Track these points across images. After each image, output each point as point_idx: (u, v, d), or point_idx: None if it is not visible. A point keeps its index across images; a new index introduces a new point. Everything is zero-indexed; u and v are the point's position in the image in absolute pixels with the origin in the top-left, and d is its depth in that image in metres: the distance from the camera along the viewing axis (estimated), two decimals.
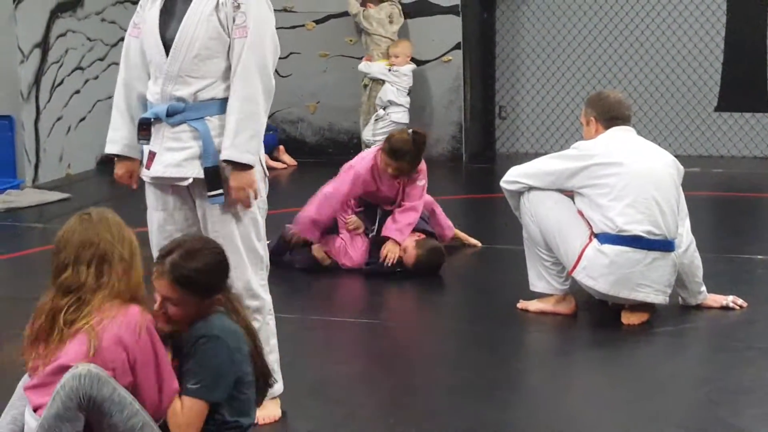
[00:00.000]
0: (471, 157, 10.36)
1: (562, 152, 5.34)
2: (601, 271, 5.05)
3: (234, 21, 3.76)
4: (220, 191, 3.79)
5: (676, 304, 5.35)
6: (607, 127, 5.26)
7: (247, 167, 3.77)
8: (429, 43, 10.29)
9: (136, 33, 3.95)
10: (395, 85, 9.44)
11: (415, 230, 6.32)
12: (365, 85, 9.64)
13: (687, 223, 5.35)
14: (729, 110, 10.47)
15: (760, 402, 4.12)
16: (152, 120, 3.86)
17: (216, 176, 3.78)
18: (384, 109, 9.42)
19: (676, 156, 5.49)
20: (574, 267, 5.12)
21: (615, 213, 5.02)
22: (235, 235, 3.85)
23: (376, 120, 9.44)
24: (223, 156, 3.77)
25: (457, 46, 10.28)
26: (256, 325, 3.80)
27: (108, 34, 10.26)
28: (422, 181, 6.37)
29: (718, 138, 10.47)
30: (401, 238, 6.19)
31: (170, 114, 3.80)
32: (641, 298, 5.09)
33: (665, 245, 5.08)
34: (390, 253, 6.15)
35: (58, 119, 9.44)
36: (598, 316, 5.33)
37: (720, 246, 6.49)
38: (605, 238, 5.05)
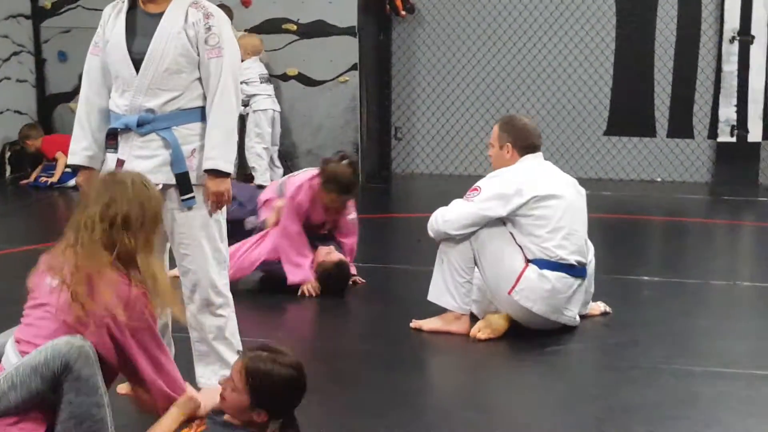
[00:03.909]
0: (367, 177, 10.43)
1: (495, 190, 5.26)
2: (542, 294, 5.22)
3: (206, 42, 4.07)
4: (192, 194, 4.12)
5: (563, 325, 5.47)
6: (521, 155, 5.41)
7: (226, 175, 4.12)
8: (326, 64, 10.35)
9: (97, 51, 4.24)
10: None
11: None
12: None
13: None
14: (618, 134, 10.74)
15: (645, 420, 4.23)
16: (119, 129, 4.12)
17: (187, 181, 4.10)
18: (245, 106, 9.63)
19: None
20: (513, 287, 5.23)
21: (553, 245, 5.22)
22: (201, 237, 4.15)
23: (249, 126, 9.82)
24: (209, 166, 4.09)
25: (353, 67, 10.35)
26: (221, 321, 4.22)
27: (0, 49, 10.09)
28: (353, 215, 6.43)
29: (607, 161, 10.72)
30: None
31: (140, 124, 4.08)
32: (564, 321, 5.35)
33: (584, 272, 5.40)
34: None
35: None
36: None
37: (607, 267, 6.64)
38: (544, 264, 5.23)
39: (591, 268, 5.58)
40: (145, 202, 3.51)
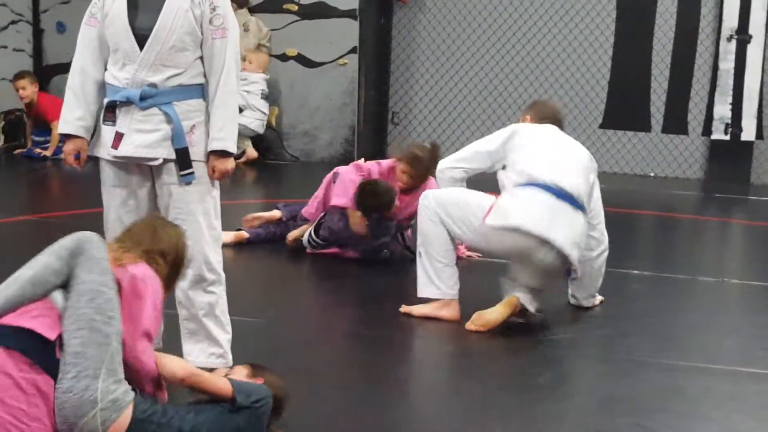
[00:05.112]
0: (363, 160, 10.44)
1: (492, 135, 5.64)
2: (515, 204, 5.19)
3: (211, 22, 4.11)
4: (191, 170, 4.13)
5: (556, 316, 5.51)
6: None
7: (230, 154, 4.16)
8: (325, 46, 10.36)
9: (94, 23, 4.22)
10: (243, 89, 9.76)
11: None
12: None
13: (602, 225, 5.59)
14: (613, 128, 10.78)
15: (630, 412, 4.27)
16: (118, 102, 4.12)
17: (187, 156, 4.12)
18: (241, 111, 9.72)
19: None
20: (487, 215, 5.21)
21: (529, 167, 5.27)
22: (197, 212, 4.17)
23: None
24: (217, 147, 4.13)
25: (353, 50, 10.37)
26: (212, 298, 4.23)
27: None
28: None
29: (601, 155, 10.76)
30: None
31: (143, 98, 4.08)
32: (558, 243, 5.11)
33: (573, 202, 5.24)
34: None
35: None
36: None
37: None
38: (518, 186, 5.27)
39: (600, 261, 5.61)
40: (181, 252, 3.69)
